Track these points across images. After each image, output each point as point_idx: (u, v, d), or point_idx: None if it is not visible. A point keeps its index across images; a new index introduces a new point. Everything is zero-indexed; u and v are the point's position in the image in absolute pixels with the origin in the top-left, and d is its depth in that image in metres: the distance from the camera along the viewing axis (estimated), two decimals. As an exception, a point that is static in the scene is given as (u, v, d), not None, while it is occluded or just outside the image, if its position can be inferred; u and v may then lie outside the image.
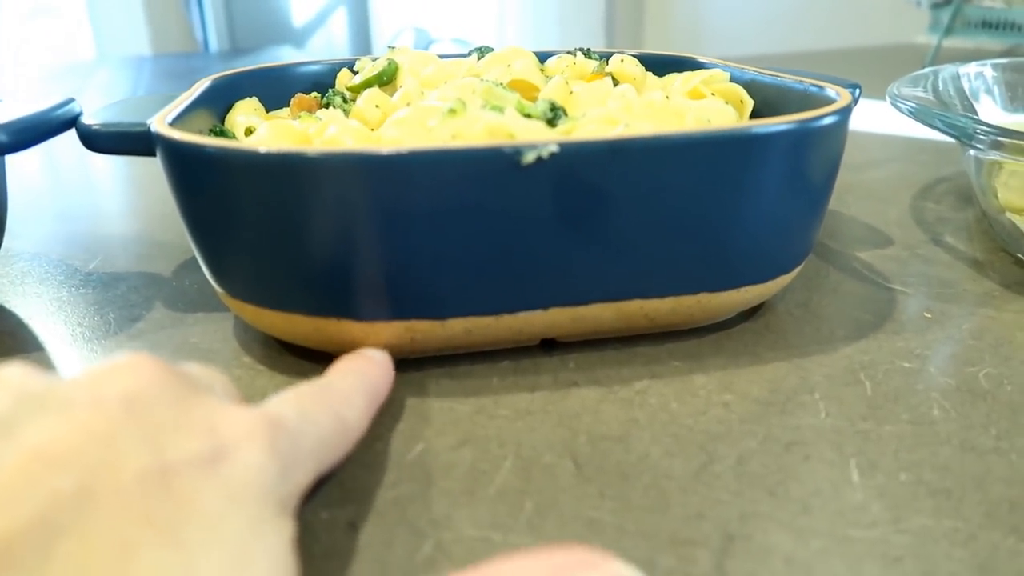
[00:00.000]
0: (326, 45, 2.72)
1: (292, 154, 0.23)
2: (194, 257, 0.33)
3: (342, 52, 2.58)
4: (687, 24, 2.13)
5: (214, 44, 2.57)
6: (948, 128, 0.34)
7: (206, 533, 0.15)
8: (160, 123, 0.26)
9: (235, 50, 2.54)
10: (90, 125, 0.30)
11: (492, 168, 0.23)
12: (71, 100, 0.32)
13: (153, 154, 0.27)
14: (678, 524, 0.20)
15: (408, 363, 0.27)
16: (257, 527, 0.15)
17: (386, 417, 0.25)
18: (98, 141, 0.30)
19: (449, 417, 0.25)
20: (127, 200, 0.50)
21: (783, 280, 0.29)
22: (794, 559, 0.19)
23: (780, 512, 0.20)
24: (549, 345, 0.29)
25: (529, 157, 0.23)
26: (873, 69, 0.97)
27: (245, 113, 0.36)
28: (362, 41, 2.68)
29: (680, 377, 0.27)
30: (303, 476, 0.18)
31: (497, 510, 0.20)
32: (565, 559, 0.15)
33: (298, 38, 2.70)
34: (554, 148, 0.23)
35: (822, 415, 0.24)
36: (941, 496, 0.21)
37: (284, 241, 0.24)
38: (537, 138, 0.24)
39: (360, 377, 0.23)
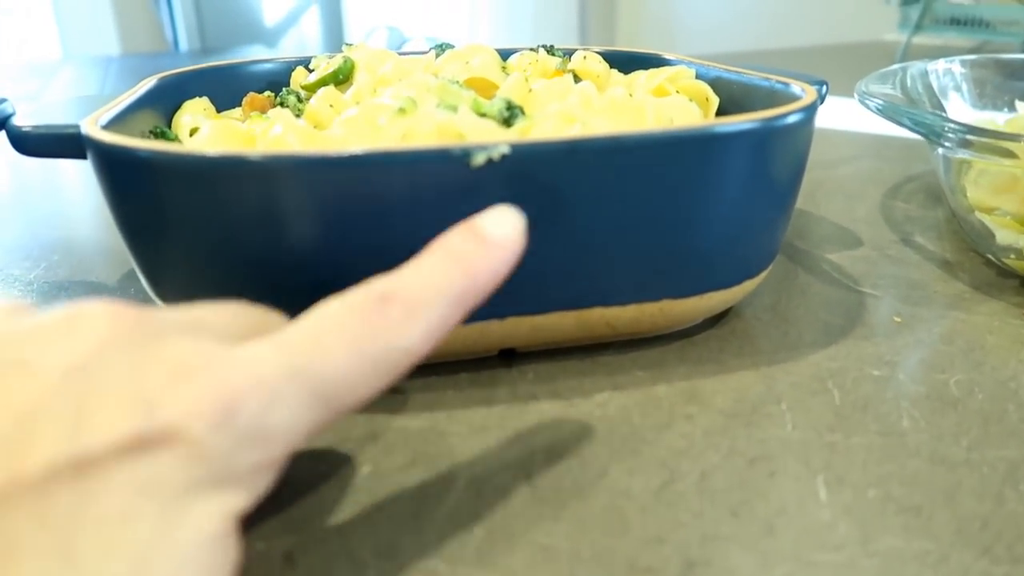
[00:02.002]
0: (298, 44, 2.69)
1: (226, 157, 0.21)
2: (138, 265, 0.32)
3: (314, 52, 2.55)
4: (659, 21, 2.12)
5: (184, 43, 2.53)
6: (917, 126, 0.33)
7: (104, 538, 0.13)
8: (91, 125, 0.25)
9: (205, 49, 2.51)
10: (20, 127, 0.28)
11: (441, 171, 0.22)
12: (3, 100, 0.30)
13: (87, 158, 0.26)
14: (636, 549, 0.19)
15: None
16: (171, 524, 0.14)
17: (331, 436, 0.23)
18: (29, 144, 0.28)
19: (399, 435, 0.23)
20: (70, 203, 0.48)
21: (749, 285, 0.28)
22: (757, 585, 0.18)
23: (743, 534, 0.19)
24: (509, 355, 0.28)
25: (479, 159, 0.22)
26: (843, 66, 0.97)
27: (192, 113, 0.34)
28: (335, 40, 2.65)
29: (643, 388, 0.26)
30: (278, 445, 0.15)
31: (445, 537, 0.19)
32: None
33: (270, 37, 2.67)
34: (505, 149, 0.22)
35: (788, 427, 0.23)
36: (911, 514, 0.20)
37: (222, 249, 0.23)
38: (488, 138, 0.23)
39: (454, 271, 0.17)
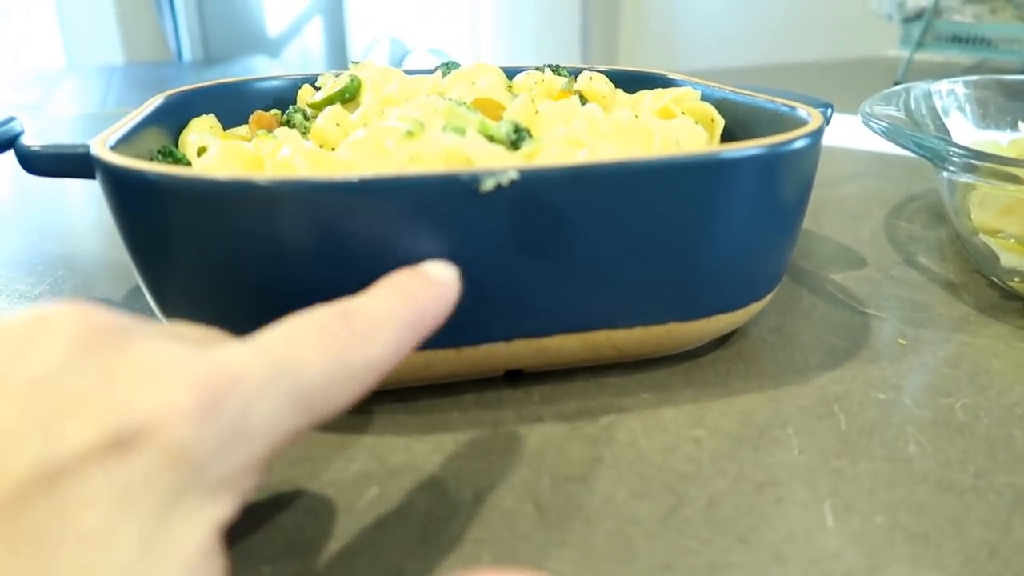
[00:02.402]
0: (301, 55, 2.70)
1: (235, 182, 0.22)
2: (144, 282, 0.32)
3: (317, 62, 2.56)
4: (660, 38, 2.13)
5: (187, 53, 2.54)
6: (921, 150, 0.33)
7: (83, 559, 0.12)
8: (100, 146, 0.25)
9: (209, 59, 2.52)
10: (29, 147, 0.28)
11: (449, 196, 0.22)
12: (12, 119, 0.30)
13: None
14: (644, 575, 0.19)
15: (366, 397, 0.26)
16: (156, 541, 0.13)
17: (338, 459, 0.23)
18: (37, 164, 0.28)
19: (405, 457, 0.23)
20: (75, 218, 0.49)
21: (755, 307, 0.28)
22: (766, 615, 0.18)
23: (751, 561, 0.19)
24: (514, 376, 0.28)
25: (488, 184, 0.22)
26: (845, 83, 0.97)
27: (199, 132, 0.34)
28: (338, 51, 2.66)
29: (649, 411, 0.26)
30: (261, 444, 0.15)
31: (451, 562, 0.19)
32: None
33: (273, 48, 2.68)
34: (514, 175, 0.22)
35: (795, 452, 0.23)
36: (919, 541, 0.20)
37: (229, 271, 0.23)
38: (497, 163, 0.23)
39: (404, 301, 0.19)
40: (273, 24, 2.70)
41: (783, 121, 0.31)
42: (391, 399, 0.26)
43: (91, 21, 2.38)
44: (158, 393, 0.13)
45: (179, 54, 2.55)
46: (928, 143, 0.32)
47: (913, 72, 0.94)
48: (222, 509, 0.14)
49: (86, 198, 0.52)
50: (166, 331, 0.16)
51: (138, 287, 0.36)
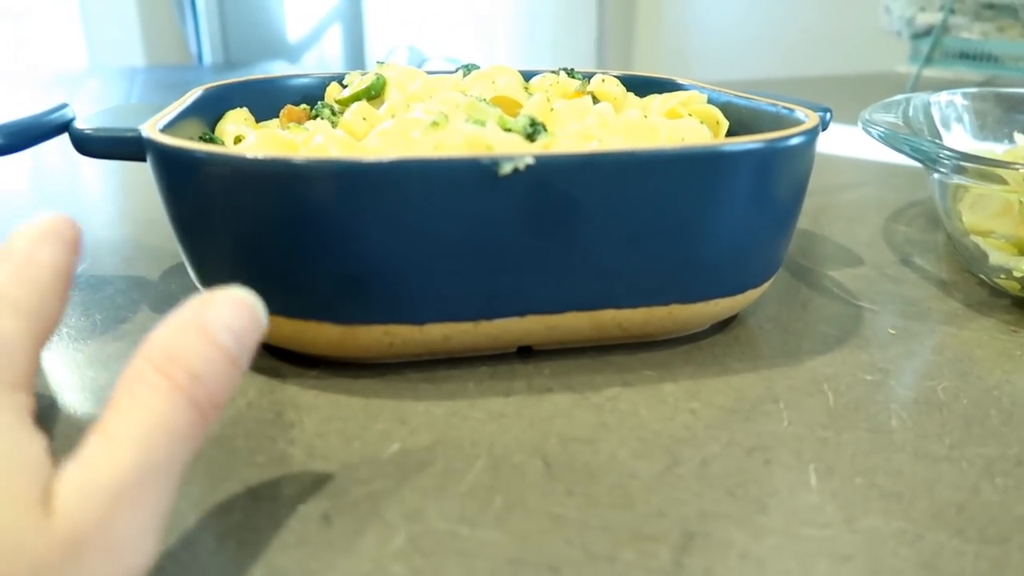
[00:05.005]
0: (320, 61, 2.74)
1: (279, 160, 0.24)
2: (180, 262, 0.34)
3: (335, 68, 2.59)
4: (674, 49, 2.16)
5: (208, 57, 2.58)
6: (914, 153, 0.35)
7: None
8: (151, 129, 0.27)
9: (229, 63, 2.55)
10: (82, 130, 0.30)
11: (471, 178, 0.24)
12: (64, 105, 0.33)
13: (143, 159, 0.28)
14: (640, 521, 0.21)
15: (388, 367, 0.28)
16: None
17: (363, 418, 0.25)
18: (90, 145, 0.30)
19: (425, 419, 0.25)
20: (114, 205, 0.51)
21: (752, 294, 0.30)
22: (749, 555, 0.19)
23: (738, 511, 0.21)
24: (526, 353, 0.30)
25: (506, 168, 0.24)
26: (854, 96, 0.99)
27: (235, 122, 0.37)
28: (356, 58, 2.70)
29: (650, 385, 0.28)
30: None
31: (467, 505, 0.21)
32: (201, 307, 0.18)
33: (292, 53, 2.72)
34: (530, 160, 0.24)
35: (784, 423, 0.25)
36: (892, 499, 0.22)
37: (268, 246, 0.25)
38: (514, 151, 0.25)
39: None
40: (293, 30, 2.74)
41: (783, 123, 0.32)
42: (412, 369, 0.28)
43: (114, 23, 2.43)
44: None
45: (200, 57, 2.59)
46: (921, 146, 0.34)
47: (921, 88, 0.96)
48: (23, 399, 0.18)
49: (125, 188, 0.54)
50: None
51: (173, 267, 0.38)
